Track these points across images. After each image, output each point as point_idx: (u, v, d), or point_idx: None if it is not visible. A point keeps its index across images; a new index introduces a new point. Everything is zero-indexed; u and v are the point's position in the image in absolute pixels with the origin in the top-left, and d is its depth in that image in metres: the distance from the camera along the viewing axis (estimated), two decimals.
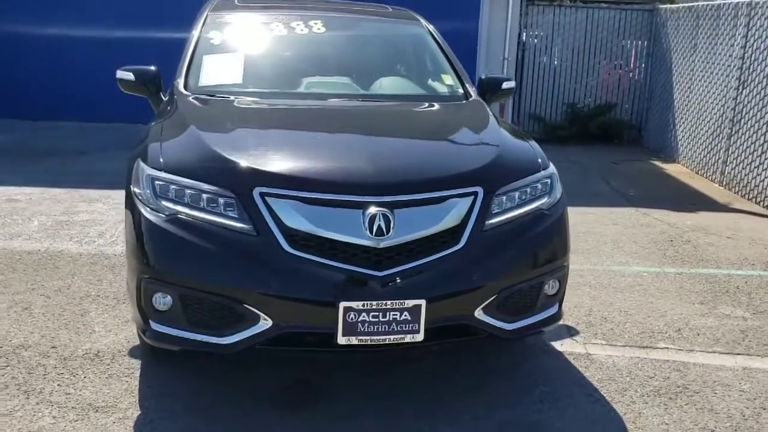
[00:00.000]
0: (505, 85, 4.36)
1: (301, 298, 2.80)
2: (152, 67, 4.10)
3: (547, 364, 3.61)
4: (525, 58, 10.66)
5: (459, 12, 10.07)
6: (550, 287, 3.17)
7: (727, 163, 7.97)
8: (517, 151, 3.39)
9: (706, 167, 8.46)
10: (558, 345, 3.81)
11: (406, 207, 2.86)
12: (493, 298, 2.95)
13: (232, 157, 2.99)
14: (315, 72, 4.18)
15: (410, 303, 2.78)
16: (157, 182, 2.97)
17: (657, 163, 9.42)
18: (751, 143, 7.48)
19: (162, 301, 2.91)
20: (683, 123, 9.18)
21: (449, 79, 4.27)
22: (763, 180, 7.21)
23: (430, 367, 3.52)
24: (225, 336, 2.85)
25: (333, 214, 2.83)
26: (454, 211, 2.93)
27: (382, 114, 3.79)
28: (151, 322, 2.94)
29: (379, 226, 2.79)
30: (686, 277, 5.01)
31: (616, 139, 10.60)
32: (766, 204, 7.13)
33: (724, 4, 8.22)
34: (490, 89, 4.30)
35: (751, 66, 7.56)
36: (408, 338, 2.82)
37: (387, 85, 4.18)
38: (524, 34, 10.57)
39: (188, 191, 2.92)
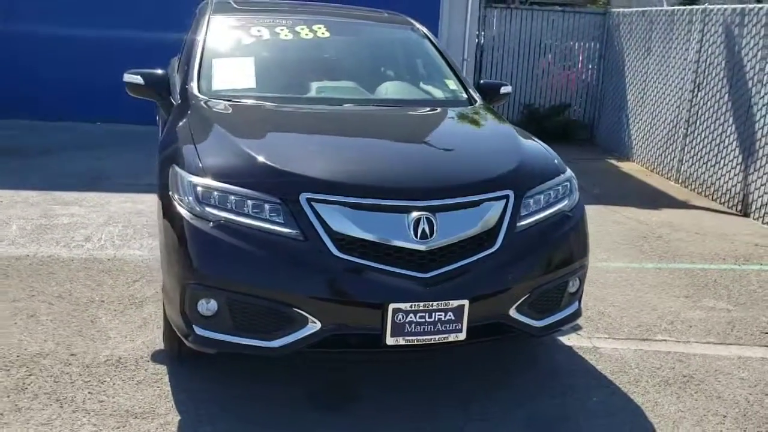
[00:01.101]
0: (503, 89, 4.52)
1: (350, 300, 2.88)
2: (160, 71, 4.08)
3: (560, 358, 3.78)
4: (483, 60, 10.90)
5: (419, 14, 10.17)
6: (573, 285, 3.33)
7: (683, 161, 8.36)
8: (538, 154, 3.55)
9: (662, 166, 8.85)
10: (565, 340, 3.99)
11: (447, 210, 2.98)
12: (526, 296, 3.10)
13: (275, 164, 3.04)
14: (322, 77, 4.23)
15: (454, 303, 2.89)
16: (199, 188, 2.99)
17: (612, 161, 9.79)
18: (708, 143, 7.88)
19: (207, 306, 2.94)
20: (637, 123, 9.57)
21: (452, 83, 4.39)
22: (719, 178, 7.62)
23: (455, 365, 3.63)
24: (273, 339, 2.90)
25: (378, 219, 2.91)
26: (489, 214, 3.06)
27: (404, 119, 3.88)
28: (194, 327, 2.97)
29: (423, 229, 2.90)
30: (665, 272, 5.28)
31: (575, 139, 10.94)
32: (722, 201, 7.53)
33: (678, 10, 8.61)
34: (489, 94, 4.45)
35: (707, 69, 7.95)
36: (451, 337, 2.93)
37: (393, 89, 4.27)
38: (482, 36, 10.80)
39: (232, 197, 2.95)
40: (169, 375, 3.42)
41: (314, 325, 2.86)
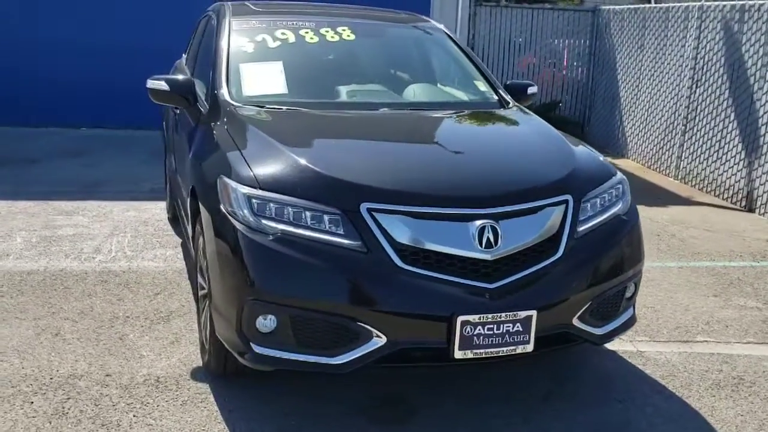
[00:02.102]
0: (530, 90, 4.44)
1: (418, 313, 2.77)
2: (185, 76, 3.93)
3: (608, 364, 3.72)
4: None
5: (410, 11, 10.15)
6: (629, 291, 3.27)
7: (683, 158, 8.39)
8: (589, 158, 3.48)
9: (660, 162, 8.88)
10: (609, 344, 3.92)
11: (510, 218, 2.89)
12: (588, 304, 3.02)
13: (332, 173, 2.92)
14: (352, 80, 4.12)
15: (522, 314, 2.81)
16: (254, 200, 2.86)
17: (607, 159, 9.79)
18: (708, 139, 7.91)
19: (266, 323, 2.82)
20: (632, 120, 9.59)
21: (482, 85, 4.30)
22: (722, 174, 7.65)
23: (508, 377, 3.53)
24: (337, 355, 2.79)
25: (442, 228, 2.82)
26: (551, 220, 2.98)
27: (447, 123, 3.77)
28: (252, 344, 2.84)
29: (488, 238, 2.81)
30: (689, 270, 5.26)
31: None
32: (725, 197, 7.56)
33: (673, 7, 8.63)
34: (516, 94, 4.36)
35: (705, 66, 7.98)
36: (519, 349, 2.85)
37: (425, 92, 4.18)
38: (473, 34, 10.75)
39: (290, 209, 2.83)
40: (213, 394, 3.29)
41: (379, 340, 2.76)
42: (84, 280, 4.63)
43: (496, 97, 4.21)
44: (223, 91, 3.76)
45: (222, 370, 3.29)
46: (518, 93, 4.38)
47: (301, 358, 2.82)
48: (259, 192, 2.88)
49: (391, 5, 9.17)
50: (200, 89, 4.06)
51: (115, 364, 3.54)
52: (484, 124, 3.84)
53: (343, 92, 4.00)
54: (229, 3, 4.68)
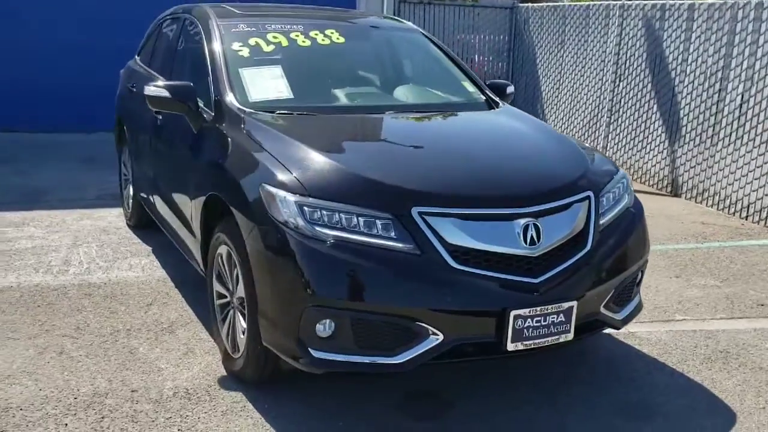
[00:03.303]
0: (509, 90, 4.63)
1: (472, 310, 2.90)
2: (187, 82, 3.86)
3: (608, 346, 3.97)
4: None
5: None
6: (639, 277, 3.52)
7: (608, 148, 8.90)
8: (594, 155, 3.70)
9: None
10: None
11: (548, 215, 3.06)
12: (612, 291, 3.25)
13: (381, 179, 2.99)
14: (349, 84, 4.17)
15: (565, 305, 2.98)
16: (306, 208, 2.89)
17: None
18: (632, 130, 8.44)
19: (324, 328, 2.86)
20: (554, 113, 10.06)
21: (470, 86, 4.45)
22: (647, 162, 8.19)
23: (526, 364, 3.68)
24: (397, 355, 2.87)
25: (489, 228, 2.95)
26: (579, 216, 3.17)
27: (461, 125, 3.87)
28: (311, 349, 2.88)
29: (531, 235, 2.97)
30: None
31: None
32: (651, 183, 8.11)
33: (593, 5, 9.12)
34: (498, 94, 4.54)
35: (627, 61, 8.50)
36: (562, 338, 3.03)
37: (420, 94, 4.28)
38: None
39: (342, 215, 2.88)
40: (251, 402, 3.28)
41: (436, 338, 2.86)
42: (66, 295, 4.46)
43: (483, 98, 4.37)
44: (230, 97, 3.73)
45: (259, 378, 3.30)
46: (499, 93, 4.55)
47: (361, 359, 2.89)
48: (310, 200, 2.91)
49: (320, 2, 9.24)
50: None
51: (136, 379, 3.47)
52: (493, 125, 3.97)
53: (344, 96, 4.04)
54: (208, 5, 4.61)
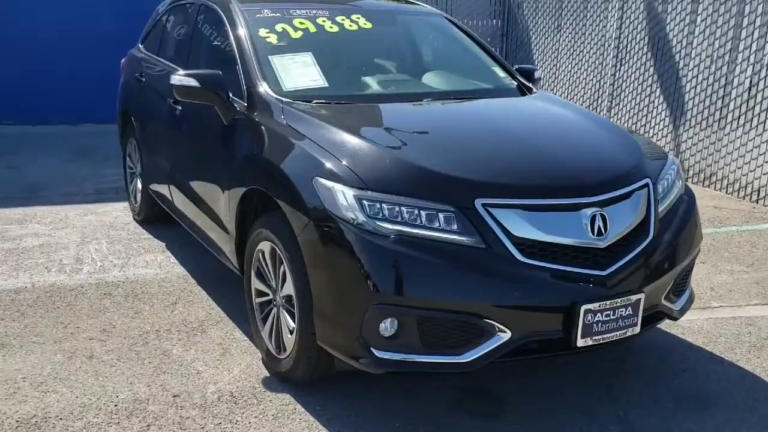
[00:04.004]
0: (536, 74, 4.52)
1: (541, 305, 2.78)
2: (215, 71, 3.68)
3: (654, 338, 3.88)
4: None
5: None
6: (692, 266, 3.44)
7: None
8: (645, 141, 3.60)
9: None
10: None
11: (612, 204, 2.95)
12: (672, 282, 3.16)
13: (442, 170, 2.85)
14: (380, 70, 4.03)
15: (633, 298, 2.88)
16: (365, 202, 2.75)
17: None
18: (635, 113, 8.38)
19: (388, 326, 2.73)
20: None
21: (500, 71, 4.33)
22: None
23: (569, 364, 3.60)
24: (463, 354, 2.74)
25: (554, 219, 2.83)
26: (641, 204, 3.07)
27: (508, 113, 3.74)
28: (373, 349, 2.75)
29: (599, 225, 2.86)
30: None
31: None
32: None
33: None
34: (526, 79, 4.43)
35: (629, 45, 8.43)
36: (629, 332, 2.93)
37: (454, 81, 4.14)
38: None
39: (403, 209, 2.75)
40: (300, 404, 3.15)
41: (504, 335, 2.74)
42: (84, 295, 4.27)
43: (515, 83, 4.25)
44: (264, 86, 3.56)
45: (310, 379, 3.16)
46: (527, 78, 4.44)
47: (426, 359, 2.76)
48: (369, 193, 2.77)
49: None
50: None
51: (175, 383, 3.31)
52: (539, 112, 3.84)
53: (376, 83, 3.89)
54: None
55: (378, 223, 2.73)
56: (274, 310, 3.33)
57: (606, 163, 3.17)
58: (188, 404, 3.14)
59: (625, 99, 8.53)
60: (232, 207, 3.55)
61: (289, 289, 3.11)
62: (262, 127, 3.40)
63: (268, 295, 3.38)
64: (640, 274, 2.94)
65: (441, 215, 2.75)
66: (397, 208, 2.75)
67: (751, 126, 6.89)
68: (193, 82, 3.60)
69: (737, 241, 5.59)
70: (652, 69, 8.09)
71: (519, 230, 2.77)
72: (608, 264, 2.87)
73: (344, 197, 2.78)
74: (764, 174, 6.73)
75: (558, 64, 9.77)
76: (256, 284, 3.44)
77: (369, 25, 4.16)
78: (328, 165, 2.92)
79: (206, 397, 3.20)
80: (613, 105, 8.74)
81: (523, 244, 2.77)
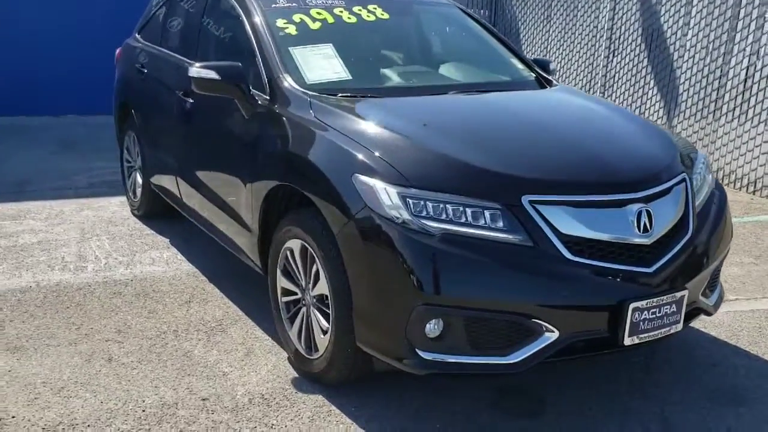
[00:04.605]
0: (551, 66, 4.47)
1: (590, 304, 2.73)
2: (235, 63, 3.56)
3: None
4: None
5: None
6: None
7: None
8: (674, 135, 3.56)
9: None
10: None
11: (655, 200, 2.91)
12: (709, 278, 3.14)
13: (487, 166, 2.78)
14: (401, 62, 3.94)
15: (678, 295, 2.85)
16: (410, 200, 2.67)
17: None
18: (628, 105, 8.39)
19: (434, 327, 2.67)
20: None
21: (519, 63, 4.27)
22: None
23: (597, 359, 3.54)
24: (510, 354, 2.69)
25: (600, 216, 2.78)
26: (680, 199, 3.04)
27: (540, 106, 3.66)
28: (418, 351, 2.68)
29: (644, 222, 2.82)
30: None
31: None
32: None
33: None
34: (542, 71, 4.37)
35: (622, 36, 8.43)
36: (673, 329, 2.89)
37: (474, 72, 4.07)
38: None
39: (448, 206, 2.67)
40: (335, 405, 3.07)
41: (552, 335, 2.69)
42: (93, 294, 4.13)
43: (533, 75, 4.19)
44: (289, 79, 3.46)
45: (345, 380, 3.09)
46: (544, 70, 4.38)
47: (472, 360, 2.70)
48: (413, 191, 2.69)
49: None
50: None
51: (202, 385, 3.21)
52: (569, 105, 3.77)
53: (398, 76, 3.81)
54: None
55: (423, 221, 2.66)
56: (303, 309, 3.24)
57: (647, 158, 3.12)
58: (219, 408, 3.04)
59: (618, 91, 8.54)
60: (256, 204, 3.44)
61: (322, 288, 3.02)
62: (289, 122, 3.30)
63: (295, 294, 3.29)
64: (682, 271, 2.91)
65: (487, 213, 2.69)
66: (442, 206, 2.68)
67: (746, 117, 6.94)
68: (213, 75, 3.48)
69: (741, 233, 5.61)
70: (645, 60, 8.11)
71: (566, 227, 2.72)
72: (653, 261, 2.83)
73: (387, 195, 2.70)
74: (760, 165, 6.78)
75: (548, 56, 9.75)
76: (282, 283, 3.35)
77: (386, 16, 4.07)
78: (367, 161, 2.83)
79: (237, 400, 3.10)
80: (606, 97, 8.74)
81: (570, 242, 2.72)
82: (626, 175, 2.91)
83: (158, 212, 5.30)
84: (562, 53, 9.44)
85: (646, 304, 2.76)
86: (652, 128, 3.51)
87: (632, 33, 8.28)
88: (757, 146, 6.82)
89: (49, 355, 3.44)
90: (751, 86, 6.86)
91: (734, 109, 7.05)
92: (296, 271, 3.24)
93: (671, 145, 3.31)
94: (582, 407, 3.13)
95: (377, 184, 2.73)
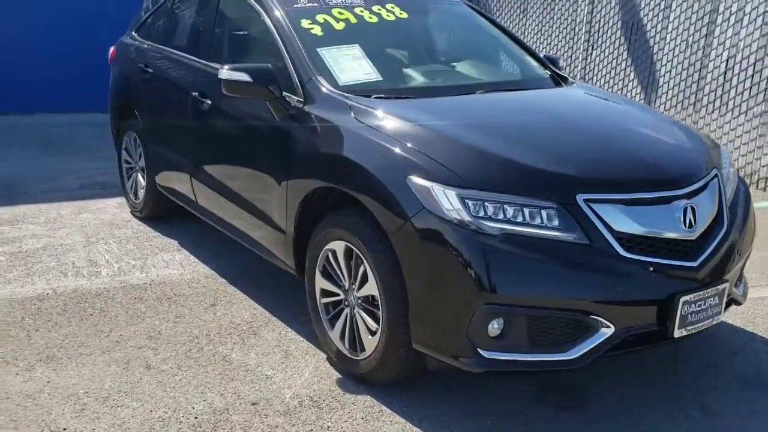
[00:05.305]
0: (560, 63, 4.56)
1: (643, 299, 2.82)
2: (265, 65, 3.54)
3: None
4: None
5: None
6: None
7: None
8: (697, 131, 3.67)
9: None
10: None
11: (697, 195, 3.01)
12: (742, 269, 3.26)
13: (541, 166, 2.84)
14: (425, 61, 3.98)
15: (721, 287, 2.95)
16: (468, 201, 2.71)
17: None
18: None
19: (495, 326, 2.72)
20: None
21: (533, 60, 4.33)
22: None
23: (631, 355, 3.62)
24: (568, 350, 2.76)
25: (650, 212, 2.86)
26: (715, 193, 3.14)
27: (572, 104, 3.73)
28: (480, 350, 2.73)
29: (689, 217, 2.91)
30: None
31: None
32: None
33: None
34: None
35: (601, 29, 8.59)
36: (715, 321, 3.00)
37: (495, 71, 4.12)
38: None
39: (506, 207, 2.72)
40: (386, 405, 3.10)
41: (608, 330, 2.77)
42: (114, 300, 4.07)
43: (548, 73, 4.26)
44: (323, 81, 3.46)
45: (394, 380, 3.12)
46: (556, 67, 4.45)
47: (533, 358, 2.76)
48: (471, 192, 2.73)
49: None
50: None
51: (249, 390, 3.20)
52: (598, 103, 3.84)
53: (421, 75, 3.83)
54: None
55: (482, 222, 2.70)
56: (346, 310, 3.26)
57: (684, 154, 3.22)
58: (271, 412, 3.05)
59: (597, 84, 8.70)
60: (292, 205, 3.44)
61: (371, 289, 3.04)
62: (328, 124, 3.30)
63: (337, 295, 3.30)
64: (722, 263, 3.01)
65: (543, 212, 2.74)
66: (499, 206, 2.73)
67: (727, 108, 7.16)
68: (244, 77, 3.45)
69: None
70: (625, 53, 8.28)
71: (619, 225, 2.79)
72: (697, 255, 2.93)
73: (445, 197, 2.74)
74: (742, 156, 7.01)
75: None
76: (322, 284, 3.36)
77: (405, 15, 4.09)
78: (421, 163, 2.85)
79: (287, 404, 3.11)
80: None
81: (623, 239, 2.79)
82: (671, 172, 2.99)
83: (162, 214, 5.23)
84: (539, 47, 9.57)
85: (694, 297, 2.86)
86: (679, 126, 3.62)
87: (612, 26, 8.44)
88: (738, 137, 7.05)
89: (85, 364, 3.38)
90: (731, 78, 7.08)
91: (715, 101, 7.27)
92: (339, 273, 3.26)
93: (700, 141, 3.41)
94: (623, 397, 3.22)
95: (434, 186, 2.76)
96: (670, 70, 7.72)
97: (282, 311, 3.94)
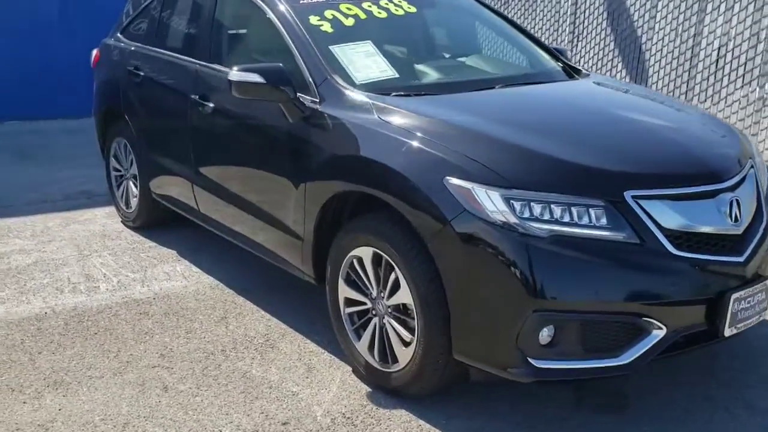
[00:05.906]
0: (569, 55, 4.44)
1: (696, 298, 2.69)
2: (277, 65, 3.35)
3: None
4: None
5: None
6: None
7: None
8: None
9: None
10: None
11: (739, 188, 2.90)
12: None
13: (584, 162, 2.70)
14: (439, 56, 3.83)
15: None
16: (513, 201, 2.56)
17: None
18: None
19: (546, 334, 2.58)
20: None
21: (544, 53, 4.20)
22: None
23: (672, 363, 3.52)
24: (621, 356, 2.62)
25: (695, 207, 2.74)
26: (754, 185, 3.04)
27: (600, 98, 3.60)
28: (530, 359, 2.59)
29: (735, 211, 2.80)
30: None
31: None
32: None
33: None
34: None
35: (586, 20, 8.52)
36: (761, 317, 2.90)
37: (509, 65, 3.99)
38: None
39: (553, 206, 2.58)
40: (422, 419, 2.94)
41: (660, 332, 2.64)
42: (117, 316, 3.86)
43: (560, 65, 4.14)
44: (339, 79, 3.28)
45: (430, 392, 2.96)
46: (565, 58, 4.34)
47: (585, 365, 2.63)
48: (516, 192, 2.59)
49: None
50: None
51: (275, 408, 3.03)
52: (623, 96, 3.72)
53: (436, 71, 3.68)
54: None
55: (529, 223, 2.56)
56: (375, 320, 3.10)
57: (722, 146, 3.11)
58: (304, 431, 2.88)
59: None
60: (311, 210, 3.27)
61: (403, 297, 2.89)
62: (349, 125, 3.13)
63: (363, 304, 3.14)
64: (765, 258, 2.92)
65: (591, 211, 2.61)
66: (546, 206, 2.59)
67: (720, 97, 7.11)
68: (257, 78, 3.26)
69: None
70: (612, 44, 8.22)
71: (668, 222, 2.67)
72: (743, 250, 2.82)
73: (489, 198, 2.59)
74: None
75: None
76: (346, 293, 3.19)
77: (413, 9, 3.93)
78: (459, 163, 2.70)
79: (319, 422, 2.94)
80: None
81: (672, 236, 2.67)
82: (714, 165, 2.88)
83: (157, 223, 5.01)
84: None
85: (744, 294, 2.75)
86: (707, 117, 3.52)
87: (597, 17, 8.37)
88: None
89: (97, 388, 3.17)
90: (723, 66, 7.04)
91: (707, 89, 7.22)
92: (365, 280, 3.09)
93: (732, 132, 3.31)
94: (665, 398, 3.11)
95: (475, 187, 2.61)
96: (660, 60, 7.66)
97: (296, 321, 3.76)
